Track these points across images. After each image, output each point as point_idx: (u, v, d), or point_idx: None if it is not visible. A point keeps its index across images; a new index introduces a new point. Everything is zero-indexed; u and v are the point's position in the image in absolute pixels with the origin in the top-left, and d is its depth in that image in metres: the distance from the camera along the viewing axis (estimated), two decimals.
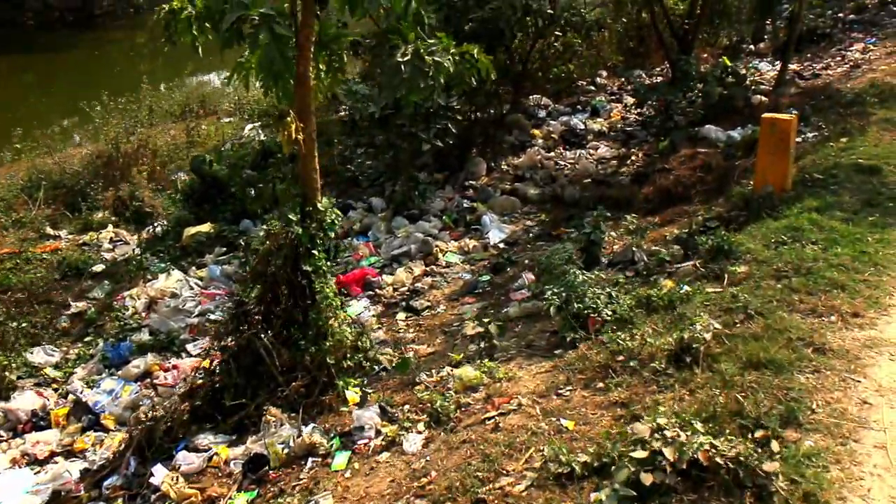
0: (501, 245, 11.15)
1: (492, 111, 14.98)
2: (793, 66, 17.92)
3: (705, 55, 20.58)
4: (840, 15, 23.54)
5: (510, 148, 14.66)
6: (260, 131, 15.81)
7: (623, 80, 19.66)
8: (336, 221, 7.98)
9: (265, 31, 6.17)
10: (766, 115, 8.73)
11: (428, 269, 10.62)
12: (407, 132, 10.97)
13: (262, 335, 7.14)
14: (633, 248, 8.58)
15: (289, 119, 7.24)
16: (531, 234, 11.33)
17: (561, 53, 17.73)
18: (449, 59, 6.66)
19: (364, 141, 12.31)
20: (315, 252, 7.53)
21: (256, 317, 7.46)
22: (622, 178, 13.10)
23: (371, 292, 10.15)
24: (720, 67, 14.54)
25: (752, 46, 23.92)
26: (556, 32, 16.67)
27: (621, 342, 6.17)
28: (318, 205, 7.75)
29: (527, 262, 9.88)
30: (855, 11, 23.07)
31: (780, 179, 8.72)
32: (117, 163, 13.98)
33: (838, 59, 18.09)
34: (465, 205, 12.55)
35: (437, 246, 11.05)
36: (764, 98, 14.52)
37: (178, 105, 18.76)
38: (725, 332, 5.81)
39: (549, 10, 12.87)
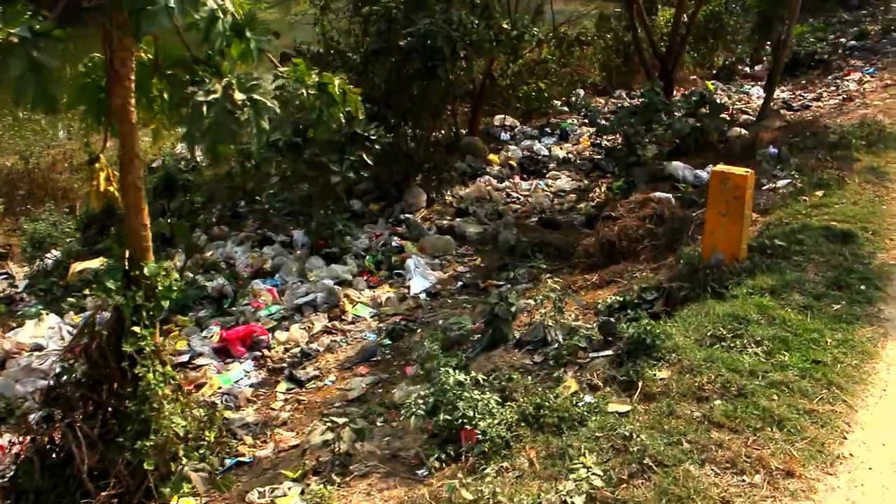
0: (422, 296, 9.47)
1: (444, 132, 13.32)
2: (783, 94, 16.20)
3: (693, 77, 18.82)
4: (842, 40, 21.76)
5: (461, 176, 12.95)
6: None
7: (606, 98, 17.94)
8: (176, 287, 6.23)
9: (19, 59, 4.47)
10: (717, 167, 6.99)
11: (330, 324, 8.94)
12: (317, 163, 9.26)
13: (79, 427, 5.49)
14: (548, 326, 6.85)
15: (97, 165, 5.60)
16: (459, 284, 9.62)
17: (533, 70, 16.05)
18: (272, 102, 4.96)
19: (271, 171, 10.63)
20: (137, 329, 5.82)
21: (76, 402, 5.82)
22: (576, 217, 11.39)
23: (258, 352, 8.47)
24: (697, 95, 12.74)
25: (748, 69, 22.17)
26: (526, 50, 15.05)
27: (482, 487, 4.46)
28: (146, 269, 6.03)
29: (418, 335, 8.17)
30: (857, 38, 21.27)
31: (732, 247, 6.98)
32: (25, 180, 12.28)
33: (832, 88, 16.36)
34: (394, 243, 10.86)
35: (346, 296, 9.37)
36: (744, 131, 12.80)
37: None
38: (605, 495, 4.08)
39: (507, 28, 11.12)
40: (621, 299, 7.24)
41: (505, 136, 15.03)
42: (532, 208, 11.79)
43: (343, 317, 9.14)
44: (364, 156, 9.24)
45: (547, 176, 13.11)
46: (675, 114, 11.23)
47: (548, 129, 15.35)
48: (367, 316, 9.14)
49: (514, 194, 12.37)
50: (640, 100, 12.94)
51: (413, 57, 10.62)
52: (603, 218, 9.16)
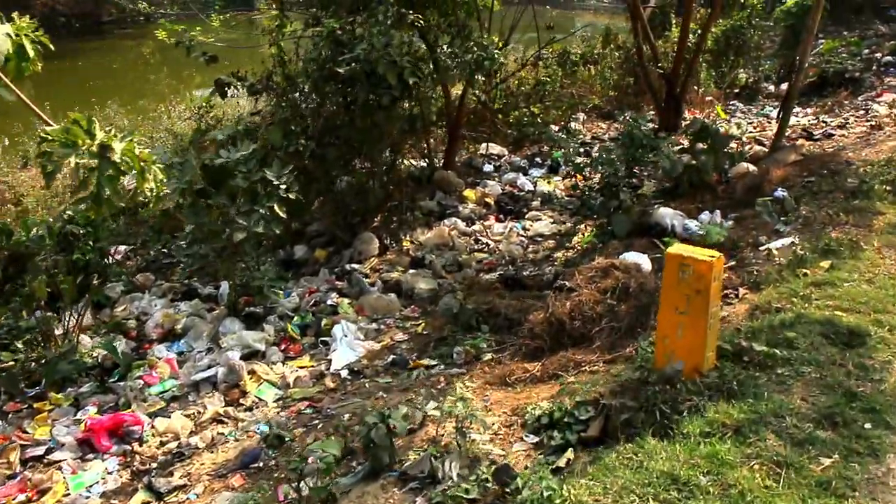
0: (344, 373, 7.66)
1: (416, 166, 11.48)
2: (804, 119, 14.00)
3: (710, 98, 16.67)
4: (877, 55, 19.37)
5: (427, 216, 11.09)
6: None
7: (609, 123, 15.90)
8: None
9: None
10: (672, 248, 5.03)
11: (223, 410, 7.16)
12: (225, 215, 7.52)
13: None
14: (437, 457, 4.99)
15: None
16: (390, 359, 7.77)
17: (529, 93, 14.13)
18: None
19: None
20: None
21: None
22: (549, 270, 9.45)
23: (128, 446, 6.74)
24: (698, 125, 10.69)
25: (772, 87, 19.91)
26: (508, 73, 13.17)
27: None
28: None
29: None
30: (893, 52, 18.86)
31: (693, 355, 5.03)
32: None
33: (861, 112, 14.06)
34: (330, 301, 9.06)
35: (252, 371, 7.60)
36: (752, 167, 10.68)
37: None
38: None
39: (460, 52, 9.23)
40: (553, 412, 5.38)
41: (488, 167, 13.13)
42: (500, 258, 9.88)
43: (242, 400, 7.36)
44: (276, 207, 7.41)
45: (526, 216, 11.18)
46: (664, 150, 9.17)
47: (538, 160, 13.39)
48: (271, 400, 7.35)
49: (484, 239, 10.47)
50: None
51: (356, 87, 8.81)
52: (556, 288, 7.21)
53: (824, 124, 13.69)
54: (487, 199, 11.57)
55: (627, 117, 9.97)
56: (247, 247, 7.57)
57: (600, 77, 16.75)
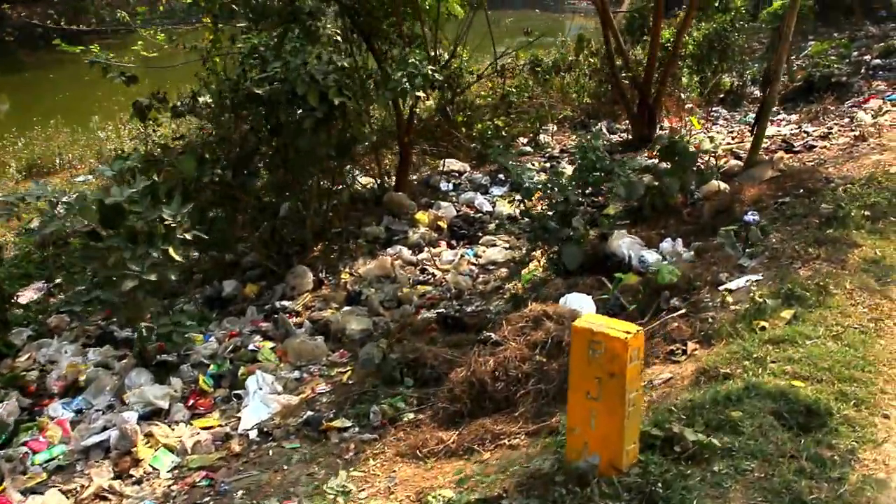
0: (253, 433, 6.68)
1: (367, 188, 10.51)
2: (786, 129, 12.97)
3: (690, 105, 15.62)
4: (866, 57, 18.29)
5: (372, 243, 10.09)
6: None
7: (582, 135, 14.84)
8: None
9: None
10: (581, 321, 4.02)
11: (108, 485, 6.18)
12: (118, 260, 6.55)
13: None
14: None
15: None
16: (304, 416, 6.78)
17: (497, 105, 13.12)
18: None
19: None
20: None
21: None
22: (498, 305, 8.46)
23: None
24: (665, 140, 9.67)
25: (758, 92, 18.79)
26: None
27: None
28: None
29: None
30: (882, 55, 17.77)
31: (610, 448, 4.05)
32: None
33: (846, 120, 12.99)
34: (253, 345, 8.08)
35: (149, 434, 6.62)
36: (724, 185, 9.65)
37: (25, 156, 14.35)
38: None
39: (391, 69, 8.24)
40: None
41: (447, 185, 12.11)
42: (445, 291, 8.88)
43: (133, 470, 6.38)
44: (171, 250, 6.43)
45: (480, 241, 10.17)
46: (619, 173, 8.15)
47: (501, 177, 12.36)
48: (166, 469, 6.37)
49: (431, 269, 9.46)
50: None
51: (277, 108, 7.85)
52: (481, 341, 6.21)
53: (805, 134, 12.64)
54: (440, 223, 10.57)
55: (587, 137, 8.95)
56: (139, 295, 6.56)
57: (575, 85, 15.71)
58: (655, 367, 5.61)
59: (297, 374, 7.66)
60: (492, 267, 9.52)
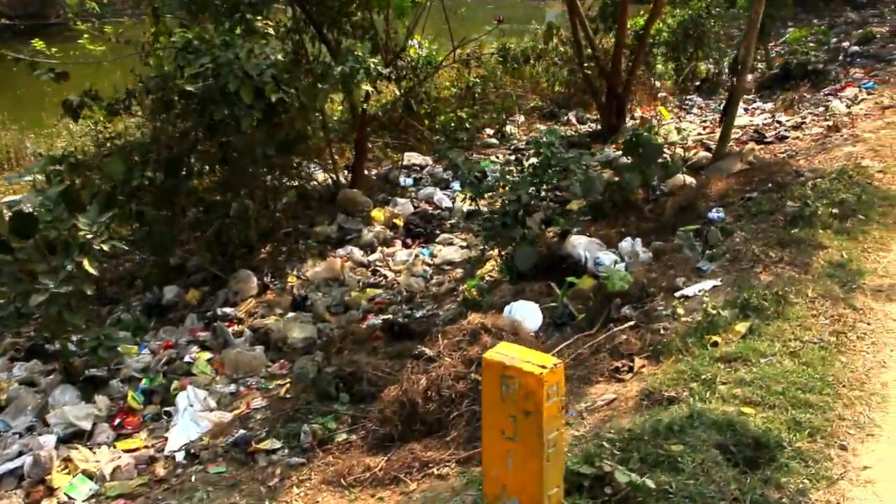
0: (179, 456, 6.16)
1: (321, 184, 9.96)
2: (758, 119, 12.48)
3: (663, 94, 15.11)
4: (845, 44, 17.80)
5: (324, 244, 9.55)
6: None
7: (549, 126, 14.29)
8: None
9: None
10: (492, 353, 3.50)
11: None
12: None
13: None
14: None
15: None
16: (231, 438, 6.26)
17: (463, 96, 12.57)
18: None
19: None
20: None
21: None
22: (450, 308, 7.96)
23: None
24: (629, 133, 9.16)
25: (734, 80, 18.25)
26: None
27: None
28: None
29: None
30: (860, 42, 17.27)
31: (528, 491, 3.53)
32: None
33: (821, 109, 12.52)
34: (189, 356, 7.55)
35: (67, 459, 6.09)
36: (690, 179, 9.16)
37: None
38: None
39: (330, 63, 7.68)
40: None
41: (407, 180, 11.55)
42: (396, 294, 8.36)
43: (47, 499, 5.85)
44: (87, 263, 5.88)
45: (437, 240, 9.64)
46: (576, 169, 7.62)
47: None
48: (82, 498, 5.84)
49: (383, 271, 8.93)
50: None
51: (211, 106, 7.28)
52: (415, 356, 5.70)
53: (778, 124, 12.14)
54: (396, 221, 10.03)
55: (542, 132, 8.40)
56: (53, 310, 6.01)
57: (546, 74, 15.14)
58: (599, 385, 5.12)
59: (233, 387, 7.15)
60: (447, 267, 9.01)
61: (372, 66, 7.57)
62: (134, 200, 7.90)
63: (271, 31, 7.61)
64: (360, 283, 8.65)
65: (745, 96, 16.69)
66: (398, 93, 11.79)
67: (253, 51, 7.00)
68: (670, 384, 4.58)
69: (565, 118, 14.08)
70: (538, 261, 7.57)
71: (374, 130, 11.56)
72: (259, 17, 7.55)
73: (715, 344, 4.91)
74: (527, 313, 6.08)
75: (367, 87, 8.19)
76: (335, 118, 12.07)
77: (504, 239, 7.66)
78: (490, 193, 7.90)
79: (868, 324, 5.09)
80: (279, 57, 7.27)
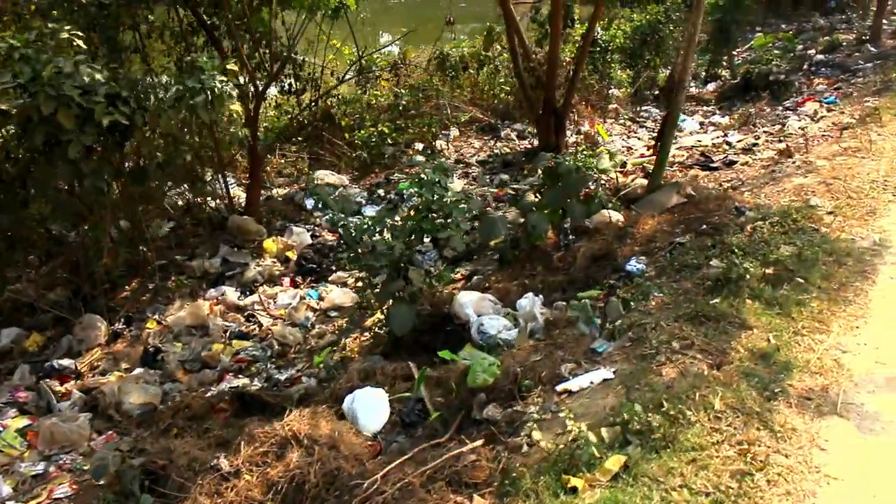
0: None
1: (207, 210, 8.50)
2: (707, 139, 11.13)
3: (614, 106, 13.70)
4: (811, 52, 16.45)
5: (200, 280, 8.11)
6: None
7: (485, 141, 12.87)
8: None
9: None
10: None
11: None
12: None
13: None
14: None
15: None
16: None
17: (391, 108, 11.12)
18: None
19: None
20: None
21: None
22: (304, 381, 6.55)
23: None
24: (542, 162, 7.75)
25: (694, 89, 16.94)
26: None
27: None
28: None
29: None
30: (826, 50, 15.93)
31: None
32: None
33: (777, 128, 11.17)
34: (5, 422, 6.12)
35: None
36: (616, 216, 7.81)
37: None
38: None
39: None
40: None
41: (313, 203, 10.04)
42: (266, 348, 6.95)
43: None
44: None
45: (330, 278, 8.22)
46: (458, 216, 6.19)
47: (381, 192, 10.34)
48: None
49: (259, 317, 7.51)
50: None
51: (32, 129, 5.81)
52: (212, 467, 4.29)
53: (727, 146, 10.76)
54: (289, 254, 8.59)
55: (425, 167, 6.91)
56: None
57: (488, 84, 13.68)
58: None
59: (41, 466, 5.73)
60: (334, 313, 7.61)
61: (218, 86, 6.12)
62: None
63: (81, 43, 6.10)
64: (228, 333, 7.23)
65: (704, 107, 15.38)
66: (297, 108, 10.33)
67: (60, 67, 5.53)
68: None
69: (503, 133, 12.64)
70: (418, 323, 6.17)
71: (282, 145, 10.09)
72: (66, 26, 6.04)
73: (573, 490, 3.53)
74: (370, 406, 4.69)
75: (235, 107, 6.73)
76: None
77: (381, 295, 6.24)
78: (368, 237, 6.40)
79: (786, 456, 3.73)
80: (100, 76, 5.78)
